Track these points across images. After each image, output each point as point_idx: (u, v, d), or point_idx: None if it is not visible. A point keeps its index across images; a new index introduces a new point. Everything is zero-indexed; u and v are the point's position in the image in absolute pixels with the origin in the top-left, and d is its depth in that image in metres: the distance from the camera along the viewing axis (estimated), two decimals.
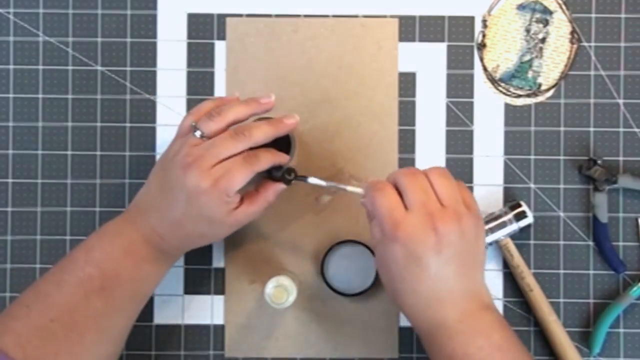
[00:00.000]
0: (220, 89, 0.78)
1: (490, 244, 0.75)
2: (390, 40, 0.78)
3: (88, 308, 0.63)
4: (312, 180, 0.68)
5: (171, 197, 0.65)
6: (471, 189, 0.77)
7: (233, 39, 0.78)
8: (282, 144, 0.71)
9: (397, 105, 0.78)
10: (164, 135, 0.78)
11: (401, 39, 0.78)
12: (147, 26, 0.79)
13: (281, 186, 0.69)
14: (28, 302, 0.64)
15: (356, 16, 0.78)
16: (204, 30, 0.79)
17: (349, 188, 0.68)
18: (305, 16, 0.78)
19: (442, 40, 0.78)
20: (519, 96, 0.78)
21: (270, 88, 0.77)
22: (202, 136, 0.65)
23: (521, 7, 0.78)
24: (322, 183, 0.69)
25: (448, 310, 0.62)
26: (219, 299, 0.78)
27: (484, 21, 0.78)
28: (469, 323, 0.62)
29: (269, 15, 0.78)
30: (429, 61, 0.78)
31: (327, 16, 0.78)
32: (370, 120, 0.78)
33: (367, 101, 0.78)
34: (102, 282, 0.64)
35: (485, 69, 0.78)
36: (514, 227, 0.74)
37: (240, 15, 0.79)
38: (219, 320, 0.77)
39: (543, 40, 0.78)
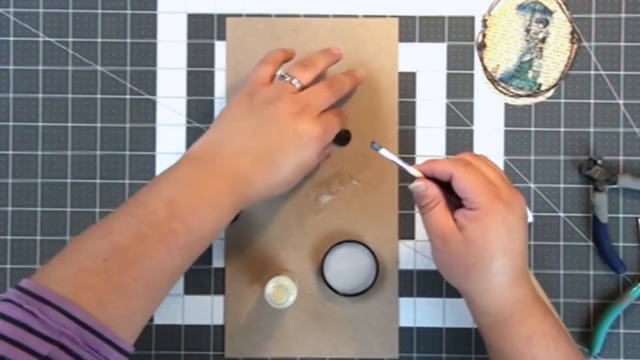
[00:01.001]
0: (220, 89, 0.78)
1: None
2: (390, 40, 0.78)
3: (169, 265, 0.60)
4: (387, 154, 0.66)
5: (276, 141, 0.65)
6: None
7: (233, 39, 0.78)
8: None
9: (397, 105, 0.78)
10: (164, 135, 0.78)
11: (401, 39, 0.78)
12: (147, 26, 0.79)
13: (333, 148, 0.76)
14: (104, 255, 0.57)
15: (356, 16, 0.78)
16: (204, 30, 0.79)
17: (411, 170, 0.65)
18: (305, 16, 0.78)
19: (442, 40, 0.78)
20: (519, 96, 0.78)
21: None
22: (298, 85, 0.69)
23: (521, 7, 0.78)
24: (392, 157, 0.66)
25: (527, 285, 0.64)
26: (219, 299, 0.78)
27: (484, 21, 0.78)
28: (539, 302, 0.64)
29: (269, 15, 0.78)
30: (429, 61, 0.78)
31: (327, 16, 0.78)
32: (370, 120, 0.78)
33: (367, 101, 0.78)
34: (185, 239, 0.60)
35: (485, 69, 0.78)
36: None
37: (240, 15, 0.79)
38: (219, 320, 0.77)
39: (543, 40, 0.78)
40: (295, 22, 0.78)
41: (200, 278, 0.78)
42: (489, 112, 0.78)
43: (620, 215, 0.77)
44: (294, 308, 0.76)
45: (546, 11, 0.78)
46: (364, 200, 0.77)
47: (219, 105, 0.78)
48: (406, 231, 0.77)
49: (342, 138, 0.77)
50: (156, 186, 0.62)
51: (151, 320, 0.77)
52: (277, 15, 0.78)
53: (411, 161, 0.77)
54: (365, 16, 0.78)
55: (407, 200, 0.77)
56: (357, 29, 0.78)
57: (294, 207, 0.78)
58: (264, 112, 0.66)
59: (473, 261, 0.62)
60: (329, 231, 0.77)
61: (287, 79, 0.69)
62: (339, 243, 0.75)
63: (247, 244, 0.78)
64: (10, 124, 0.78)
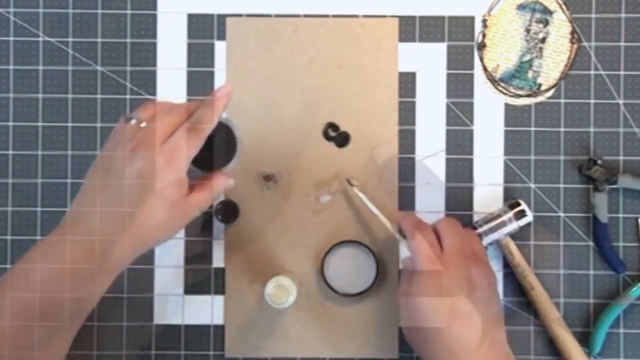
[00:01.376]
0: None
1: (491, 243, 0.75)
2: (390, 40, 0.78)
3: (32, 336, 0.58)
4: (358, 192, 0.75)
5: (122, 191, 0.60)
6: (471, 189, 0.77)
7: (233, 39, 0.78)
8: (224, 146, 0.68)
9: (397, 105, 0.78)
10: None
11: (401, 39, 0.78)
12: (147, 26, 0.79)
13: (230, 181, 0.66)
14: None
15: (356, 16, 0.78)
16: (204, 30, 0.79)
17: (382, 218, 0.73)
18: (305, 16, 0.78)
19: (442, 40, 0.78)
20: (519, 96, 0.78)
21: (270, 88, 0.77)
22: (137, 122, 0.62)
23: (521, 7, 0.78)
24: (365, 199, 0.74)
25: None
26: (219, 299, 0.78)
27: (484, 21, 0.78)
28: None
29: (269, 15, 0.78)
30: (429, 61, 0.78)
31: (327, 16, 0.78)
32: (370, 120, 0.78)
33: (367, 101, 0.78)
34: (43, 309, 0.58)
35: (485, 69, 0.78)
36: (514, 225, 0.74)
37: (240, 15, 0.79)
38: (219, 320, 0.77)
39: (543, 40, 0.78)
40: (295, 22, 0.78)
41: (200, 278, 0.78)
42: (489, 112, 0.78)
43: (620, 215, 0.77)
44: (294, 308, 0.76)
45: (546, 11, 0.78)
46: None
47: None
48: None
49: (342, 138, 0.77)
50: (22, 257, 0.60)
51: (151, 320, 0.77)
52: (277, 15, 0.78)
53: (411, 161, 0.77)
54: (365, 16, 0.78)
55: (407, 200, 0.77)
56: (357, 29, 0.78)
57: (294, 207, 0.78)
58: (109, 163, 0.61)
59: (407, 322, 0.67)
60: (329, 231, 0.77)
61: (131, 121, 0.62)
62: (339, 243, 0.75)
63: (247, 244, 0.78)
64: (10, 124, 0.78)
